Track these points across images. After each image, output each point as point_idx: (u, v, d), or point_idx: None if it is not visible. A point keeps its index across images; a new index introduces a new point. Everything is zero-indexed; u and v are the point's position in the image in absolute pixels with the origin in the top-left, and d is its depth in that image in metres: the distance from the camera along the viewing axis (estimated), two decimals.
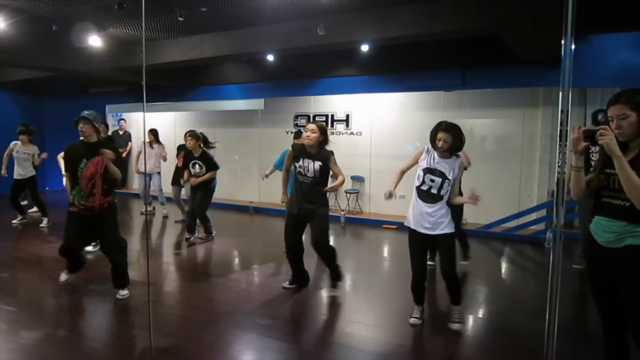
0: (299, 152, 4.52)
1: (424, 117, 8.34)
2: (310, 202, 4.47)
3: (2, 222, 7.81)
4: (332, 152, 4.54)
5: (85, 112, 4.31)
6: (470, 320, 4.15)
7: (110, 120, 11.94)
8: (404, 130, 8.50)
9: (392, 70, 8.07)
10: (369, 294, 4.82)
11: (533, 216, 7.30)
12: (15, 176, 7.57)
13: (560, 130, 1.66)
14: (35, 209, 8.01)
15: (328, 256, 4.64)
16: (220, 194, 6.96)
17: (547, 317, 1.72)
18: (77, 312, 4.25)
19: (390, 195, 3.81)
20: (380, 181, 8.83)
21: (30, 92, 11.62)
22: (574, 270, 5.47)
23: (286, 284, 4.84)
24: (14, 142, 7.56)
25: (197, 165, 6.50)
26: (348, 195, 8.97)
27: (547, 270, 4.82)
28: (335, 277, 4.75)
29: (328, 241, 4.65)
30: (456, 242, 4.12)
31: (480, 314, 4.37)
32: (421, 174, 3.76)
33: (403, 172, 3.95)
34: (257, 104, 9.65)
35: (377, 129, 8.84)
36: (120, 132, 11.27)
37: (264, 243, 6.96)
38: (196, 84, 10.35)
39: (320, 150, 4.47)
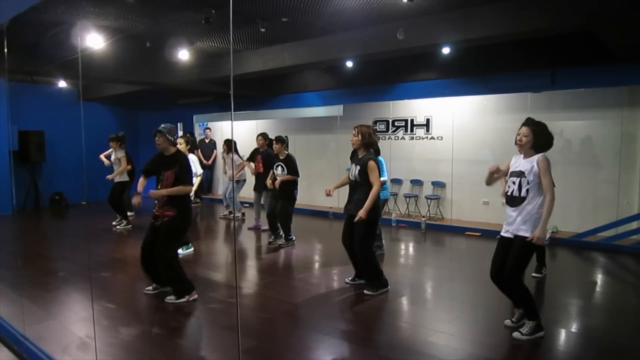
0: (352, 156, 4.97)
1: (509, 120, 7.97)
2: (353, 203, 4.76)
3: (103, 225, 8.47)
4: (372, 158, 4.67)
5: (162, 125, 4.55)
6: (563, 335, 3.89)
7: (197, 130, 12.58)
8: (487, 134, 8.18)
9: (475, 72, 7.80)
10: (452, 303, 4.67)
11: (634, 225, 6.72)
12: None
13: None
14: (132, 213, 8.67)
15: (363, 260, 4.79)
16: (300, 199, 7.06)
17: None
18: (169, 311, 4.49)
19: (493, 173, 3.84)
20: (462, 187, 8.56)
21: (126, 105, 12.53)
22: None
23: (348, 280, 5.08)
24: (111, 150, 8.36)
25: (279, 167, 6.69)
26: (429, 201, 8.77)
27: None
28: (369, 281, 4.83)
29: (366, 245, 4.74)
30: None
31: (574, 328, 4.07)
32: (507, 179, 3.72)
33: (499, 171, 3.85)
34: (336, 110, 9.73)
35: (459, 134, 8.58)
36: (206, 141, 11.85)
37: (343, 248, 6.97)
38: (277, 92, 10.64)
39: (364, 154, 4.74)
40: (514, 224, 3.60)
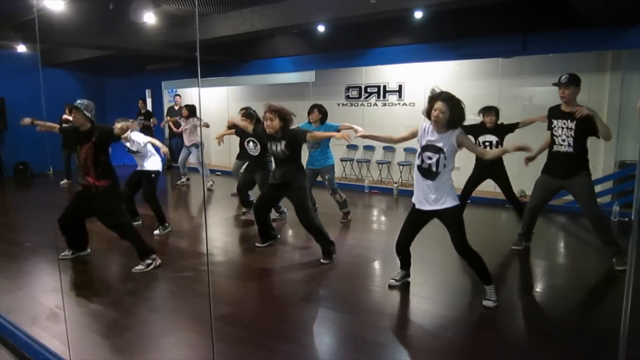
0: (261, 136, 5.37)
1: (480, 86, 8.04)
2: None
3: (70, 194, 8.26)
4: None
5: (79, 101, 4.36)
6: (527, 295, 4.03)
7: (166, 97, 12.26)
8: None
9: (447, 37, 7.75)
10: (422, 267, 4.75)
11: (598, 188, 6.92)
12: None
13: None
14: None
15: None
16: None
17: (625, 294, 1.61)
18: (140, 280, 4.45)
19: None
20: None
21: (91, 71, 12.08)
22: None
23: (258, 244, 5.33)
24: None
25: (251, 143, 6.40)
26: (401, 167, 8.84)
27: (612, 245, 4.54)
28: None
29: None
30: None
31: (539, 288, 4.22)
32: (419, 151, 3.74)
33: (394, 141, 4.29)
34: (308, 76, 9.59)
35: None
36: (176, 108, 11.54)
37: (319, 215, 6.99)
38: (248, 58, 10.39)
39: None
40: (434, 197, 3.73)
